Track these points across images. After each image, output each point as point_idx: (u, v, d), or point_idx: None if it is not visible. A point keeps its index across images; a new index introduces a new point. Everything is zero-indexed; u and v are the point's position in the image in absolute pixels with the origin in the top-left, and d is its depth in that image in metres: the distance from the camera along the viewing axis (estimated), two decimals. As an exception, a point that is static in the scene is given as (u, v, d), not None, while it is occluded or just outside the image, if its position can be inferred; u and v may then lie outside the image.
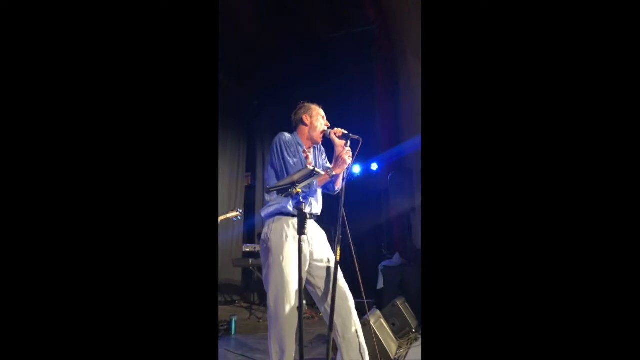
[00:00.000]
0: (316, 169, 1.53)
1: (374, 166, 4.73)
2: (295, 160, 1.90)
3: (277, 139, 1.94)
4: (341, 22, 4.88)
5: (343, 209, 1.82)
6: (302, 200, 1.56)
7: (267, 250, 1.86)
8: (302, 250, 1.54)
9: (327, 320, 1.87)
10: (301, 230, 1.52)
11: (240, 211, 3.30)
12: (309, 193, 1.92)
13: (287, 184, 1.56)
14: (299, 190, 1.55)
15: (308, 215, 1.91)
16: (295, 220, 1.82)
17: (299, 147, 2.00)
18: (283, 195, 1.61)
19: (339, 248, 1.77)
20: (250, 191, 6.07)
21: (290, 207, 1.86)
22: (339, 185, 2.02)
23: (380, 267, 4.18)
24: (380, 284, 4.10)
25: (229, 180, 5.70)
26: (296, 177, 1.56)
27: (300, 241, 1.54)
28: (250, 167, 6.17)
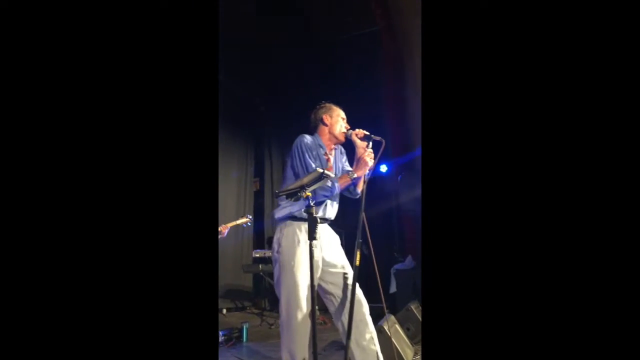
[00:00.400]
0: (326, 171, 1.50)
1: (384, 168, 4.69)
2: (317, 163, 1.87)
3: (298, 141, 1.90)
4: (347, 25, 4.85)
5: (364, 213, 1.78)
6: (312, 204, 1.53)
7: (279, 255, 1.82)
8: (313, 255, 1.50)
9: (340, 328, 1.82)
10: (312, 235, 1.49)
11: (250, 217, 3.28)
12: (331, 197, 1.88)
13: (296, 188, 1.53)
14: (308, 193, 1.52)
15: (319, 220, 1.88)
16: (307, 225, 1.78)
17: (320, 150, 1.96)
18: (292, 199, 1.58)
19: (359, 253, 1.74)
20: (258, 196, 6.05)
21: (303, 212, 1.82)
22: (360, 187, 1.98)
23: (392, 271, 4.13)
24: (393, 288, 4.04)
25: (237, 186, 5.69)
26: (305, 180, 1.53)
27: (311, 246, 1.50)
28: (259, 172, 6.16)
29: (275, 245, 1.86)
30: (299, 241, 1.79)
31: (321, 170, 1.49)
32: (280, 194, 1.59)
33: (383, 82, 4.96)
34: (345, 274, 1.86)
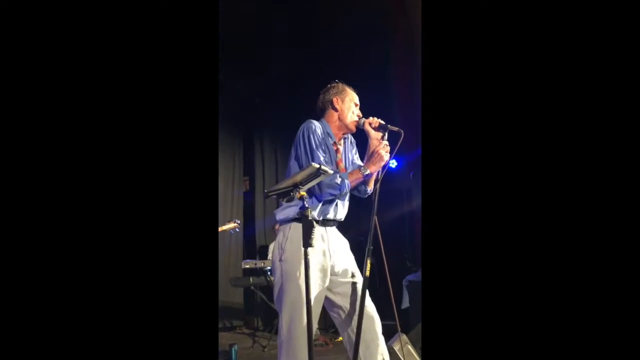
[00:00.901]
0: (323, 167, 1.46)
1: (393, 163, 4.66)
2: (326, 156, 1.83)
3: (305, 128, 1.86)
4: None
5: (375, 216, 1.75)
6: (307, 205, 1.50)
7: (282, 263, 1.78)
8: (309, 265, 1.47)
9: (348, 346, 1.80)
10: (307, 242, 1.46)
11: (239, 222, 3.26)
12: (340, 195, 1.85)
13: (289, 187, 1.50)
14: (302, 193, 1.49)
15: (315, 223, 1.85)
16: (317, 228, 1.74)
17: (329, 139, 1.92)
18: (284, 200, 1.55)
19: (369, 262, 1.71)
20: (248, 197, 6.03)
21: (297, 214, 1.79)
22: (371, 186, 1.94)
23: (404, 283, 4.11)
24: (406, 302, 4.02)
25: (224, 185, 5.66)
26: (299, 177, 1.49)
27: (306, 255, 1.47)
28: (249, 170, 6.13)
29: (276, 251, 1.82)
30: None
31: (317, 166, 1.45)
32: (270, 193, 1.56)
33: (393, 67, 4.95)
34: (355, 283, 1.84)
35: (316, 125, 1.88)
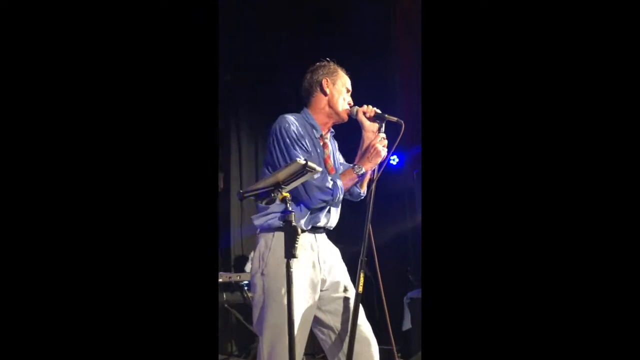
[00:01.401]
0: (310, 163, 1.46)
1: (394, 159, 4.69)
2: (309, 155, 1.81)
3: (277, 127, 1.84)
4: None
5: (370, 223, 1.76)
6: (290, 209, 1.50)
7: (263, 277, 1.79)
8: (291, 279, 1.48)
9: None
10: (290, 252, 1.46)
11: (211, 227, 3.25)
12: (333, 201, 1.84)
13: (269, 186, 1.50)
14: (285, 194, 1.50)
15: (299, 230, 1.86)
16: (306, 236, 1.76)
17: (314, 131, 1.90)
18: (263, 202, 1.55)
19: (362, 275, 1.72)
20: (223, 198, 6.02)
21: (278, 219, 1.79)
22: (365, 187, 1.94)
23: (405, 300, 4.13)
24: (407, 324, 4.05)
25: (193, 184, 5.65)
26: (281, 175, 1.49)
27: (288, 267, 1.48)
28: (224, 166, 6.13)
29: (257, 264, 1.83)
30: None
31: (303, 162, 1.45)
32: (247, 195, 1.56)
33: (396, 52, 4.98)
34: (347, 299, 1.85)
35: (290, 121, 1.85)
